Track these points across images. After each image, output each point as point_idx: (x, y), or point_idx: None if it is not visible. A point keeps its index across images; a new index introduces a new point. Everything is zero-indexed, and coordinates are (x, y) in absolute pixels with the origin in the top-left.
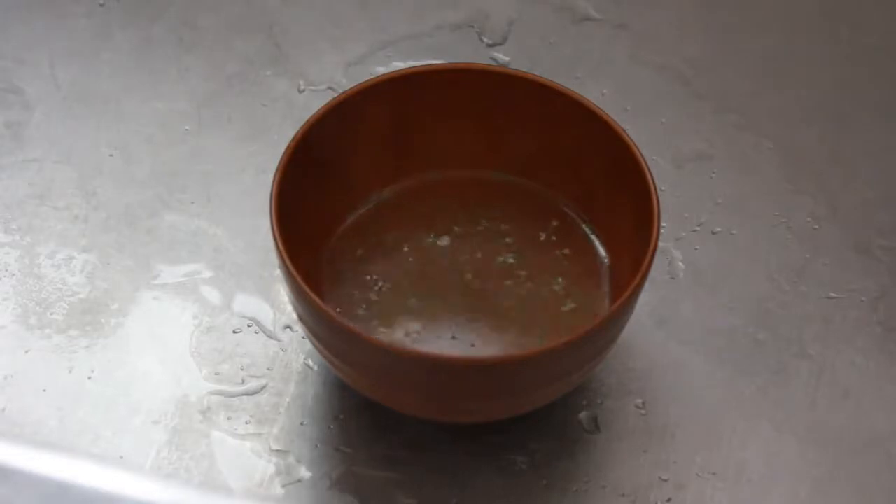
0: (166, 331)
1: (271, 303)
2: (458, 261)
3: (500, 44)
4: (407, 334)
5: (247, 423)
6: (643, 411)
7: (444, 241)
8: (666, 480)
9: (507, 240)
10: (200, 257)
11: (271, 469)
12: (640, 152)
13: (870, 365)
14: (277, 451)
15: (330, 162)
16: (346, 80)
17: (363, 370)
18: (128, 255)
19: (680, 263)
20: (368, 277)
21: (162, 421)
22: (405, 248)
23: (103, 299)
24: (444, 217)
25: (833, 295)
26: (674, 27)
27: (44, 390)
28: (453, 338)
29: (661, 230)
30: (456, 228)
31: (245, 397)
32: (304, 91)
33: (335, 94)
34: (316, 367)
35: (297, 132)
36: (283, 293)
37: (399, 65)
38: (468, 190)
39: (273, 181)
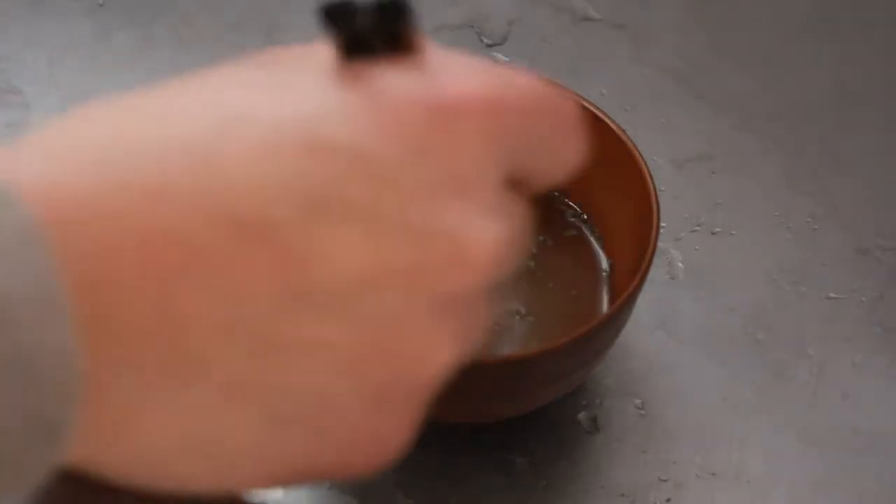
0: None
1: None
2: None
3: (499, 44)
4: None
5: None
6: (642, 411)
7: None
8: (665, 480)
9: None
10: None
11: None
12: (639, 152)
13: (870, 365)
14: None
15: None
16: None
17: None
18: None
19: (679, 264)
20: None
21: None
22: None
23: None
24: None
25: (833, 295)
26: (674, 27)
27: None
28: None
29: (661, 230)
30: None
31: None
32: None
33: None
34: None
35: None
36: None
37: None
38: None
39: None
